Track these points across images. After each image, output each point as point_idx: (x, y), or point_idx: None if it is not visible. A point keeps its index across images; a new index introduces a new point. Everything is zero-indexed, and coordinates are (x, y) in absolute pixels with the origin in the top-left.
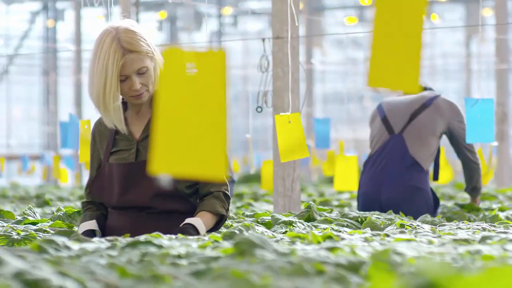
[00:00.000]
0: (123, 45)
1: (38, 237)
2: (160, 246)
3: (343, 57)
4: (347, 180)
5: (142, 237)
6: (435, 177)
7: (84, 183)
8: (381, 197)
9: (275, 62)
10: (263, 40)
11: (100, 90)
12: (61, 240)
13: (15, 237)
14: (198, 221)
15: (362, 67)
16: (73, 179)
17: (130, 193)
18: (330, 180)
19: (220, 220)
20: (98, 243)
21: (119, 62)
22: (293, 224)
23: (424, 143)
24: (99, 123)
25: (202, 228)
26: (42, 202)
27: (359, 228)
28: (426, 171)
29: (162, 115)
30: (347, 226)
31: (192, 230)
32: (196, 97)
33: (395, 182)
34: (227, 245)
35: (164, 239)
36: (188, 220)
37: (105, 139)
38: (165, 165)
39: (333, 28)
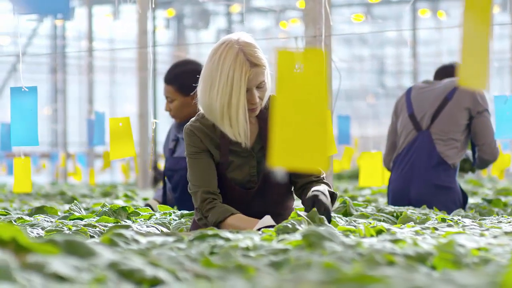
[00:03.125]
0: (249, 59)
1: (89, 232)
2: (227, 239)
3: (349, 54)
4: (372, 176)
5: (209, 231)
6: (474, 163)
7: (101, 180)
8: (410, 194)
9: None
10: (296, 38)
11: (225, 103)
12: (129, 233)
13: (67, 232)
14: (324, 188)
15: (368, 64)
16: (86, 177)
17: (249, 208)
18: (339, 177)
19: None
20: (164, 236)
21: (247, 75)
22: (332, 219)
23: (450, 139)
24: (200, 129)
25: (327, 196)
26: (69, 199)
27: (395, 223)
28: (454, 168)
29: (279, 113)
30: (383, 221)
31: (323, 196)
32: (303, 94)
33: (423, 181)
34: (292, 237)
35: (228, 233)
36: (316, 188)
37: (214, 145)
38: (282, 159)
39: (340, 26)
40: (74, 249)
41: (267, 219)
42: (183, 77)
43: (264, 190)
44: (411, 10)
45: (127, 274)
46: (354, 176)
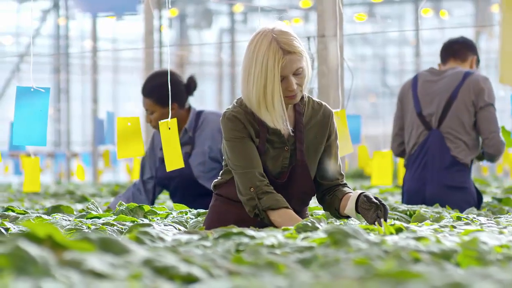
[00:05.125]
0: (282, 46)
1: (108, 231)
2: (252, 237)
3: (351, 53)
4: (384, 175)
5: (233, 229)
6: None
7: (103, 180)
8: (425, 195)
9: (320, 59)
10: (308, 38)
11: (261, 91)
12: (154, 232)
13: (86, 230)
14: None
15: (370, 64)
16: (91, 176)
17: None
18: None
19: None
20: (189, 234)
21: (280, 63)
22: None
23: (461, 137)
24: (243, 114)
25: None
26: (79, 198)
27: (409, 221)
28: (468, 167)
29: None
30: (397, 219)
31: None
32: None
33: (437, 182)
34: (315, 235)
35: (251, 231)
36: (358, 191)
37: (255, 132)
38: None
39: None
40: (108, 246)
41: None
42: (160, 89)
43: (290, 184)
44: (413, 10)
45: (161, 271)
46: (357, 175)
